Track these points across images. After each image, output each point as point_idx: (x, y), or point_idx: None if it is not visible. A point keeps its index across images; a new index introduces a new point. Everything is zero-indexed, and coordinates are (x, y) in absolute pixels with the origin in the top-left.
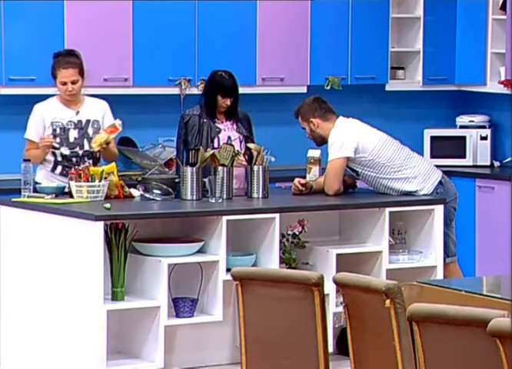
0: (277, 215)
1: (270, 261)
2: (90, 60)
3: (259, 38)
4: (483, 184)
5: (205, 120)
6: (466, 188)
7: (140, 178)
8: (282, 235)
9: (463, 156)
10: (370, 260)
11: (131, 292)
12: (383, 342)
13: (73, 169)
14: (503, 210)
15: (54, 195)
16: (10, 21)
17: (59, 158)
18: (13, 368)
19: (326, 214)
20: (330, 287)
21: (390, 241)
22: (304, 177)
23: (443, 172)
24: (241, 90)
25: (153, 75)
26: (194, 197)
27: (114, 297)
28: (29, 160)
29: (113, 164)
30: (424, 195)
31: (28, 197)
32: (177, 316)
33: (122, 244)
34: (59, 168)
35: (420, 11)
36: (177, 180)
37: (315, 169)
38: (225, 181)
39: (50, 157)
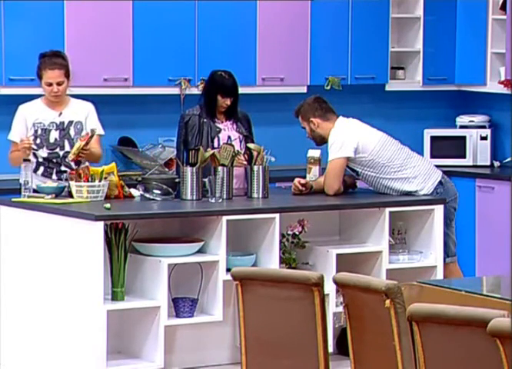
0: (277, 215)
1: (270, 261)
2: (90, 60)
3: (259, 38)
4: (483, 184)
5: (205, 120)
6: (466, 188)
7: (140, 178)
8: (282, 235)
9: (463, 156)
10: (370, 260)
11: (131, 292)
12: (383, 342)
13: (55, 170)
14: (503, 210)
15: (54, 195)
16: (10, 21)
17: (40, 159)
18: (13, 368)
19: (326, 214)
20: (330, 287)
21: (390, 241)
22: (304, 177)
23: (443, 172)
24: (241, 90)
25: (153, 75)
26: (194, 197)
27: (114, 297)
28: (29, 160)
29: (113, 164)
30: (424, 195)
31: (28, 197)
32: (177, 316)
33: (122, 244)
34: (41, 169)
35: (420, 11)
36: (177, 180)
37: (315, 169)
38: (225, 181)
39: (32, 159)
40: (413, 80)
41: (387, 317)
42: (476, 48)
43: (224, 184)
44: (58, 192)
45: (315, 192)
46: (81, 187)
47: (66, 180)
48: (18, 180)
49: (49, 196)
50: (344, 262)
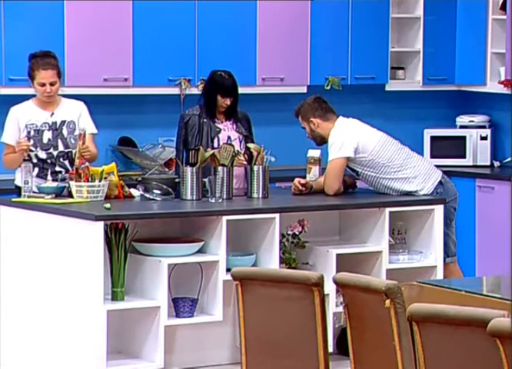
0: (277, 215)
1: (270, 261)
2: (90, 60)
3: (259, 38)
4: (483, 184)
5: (205, 120)
6: (466, 188)
7: (140, 178)
8: (282, 235)
9: (463, 156)
10: (370, 260)
11: (131, 292)
12: (383, 342)
13: (50, 170)
14: (503, 210)
15: (54, 195)
16: (10, 21)
17: (34, 160)
18: (13, 368)
19: (326, 214)
20: (330, 287)
21: (390, 241)
22: (304, 177)
23: (443, 172)
24: (241, 90)
25: (153, 75)
26: (194, 197)
27: (114, 297)
28: (29, 160)
29: (113, 164)
30: (424, 195)
31: (28, 197)
32: (177, 316)
33: (122, 244)
34: (36, 170)
35: (420, 11)
36: (177, 180)
37: (315, 169)
38: (225, 181)
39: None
40: (413, 80)
41: (387, 317)
42: (476, 48)
43: (224, 184)
44: (58, 192)
45: (315, 192)
46: (81, 187)
47: (62, 180)
48: (13, 180)
49: (49, 196)
50: (344, 262)
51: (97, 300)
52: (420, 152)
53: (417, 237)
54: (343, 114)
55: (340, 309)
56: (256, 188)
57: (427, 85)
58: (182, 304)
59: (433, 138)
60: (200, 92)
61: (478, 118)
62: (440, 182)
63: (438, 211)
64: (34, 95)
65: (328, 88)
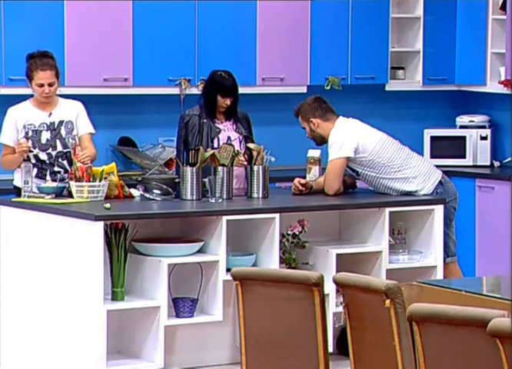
0: (277, 215)
1: (270, 261)
2: (90, 60)
3: (259, 38)
4: (483, 184)
5: (205, 120)
6: (466, 188)
7: (140, 178)
8: (282, 235)
9: (463, 156)
10: (370, 260)
11: (131, 292)
12: (383, 342)
13: (48, 171)
14: (503, 210)
15: (54, 195)
16: (10, 21)
17: (33, 161)
18: (13, 368)
19: (326, 214)
20: (330, 287)
21: (390, 241)
22: (304, 177)
23: (443, 172)
24: (241, 90)
25: (153, 75)
26: (194, 197)
27: (114, 297)
28: (29, 160)
29: (113, 164)
30: (424, 195)
31: (28, 197)
32: (177, 316)
33: (122, 244)
34: (35, 171)
35: (420, 11)
36: (177, 180)
37: (315, 169)
38: (225, 181)
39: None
40: (413, 80)
41: (387, 317)
42: (476, 48)
43: (224, 184)
44: (58, 192)
45: (315, 192)
46: (82, 187)
47: (61, 180)
48: (13, 181)
49: (49, 196)
50: (344, 262)
51: (97, 300)
52: (420, 152)
53: (417, 237)
54: (343, 114)
55: (340, 309)
56: (256, 188)
57: (427, 85)
58: (182, 304)
59: (433, 138)
60: (200, 92)
61: (478, 118)
62: (440, 182)
63: (438, 211)
64: (33, 95)
65: (328, 88)
